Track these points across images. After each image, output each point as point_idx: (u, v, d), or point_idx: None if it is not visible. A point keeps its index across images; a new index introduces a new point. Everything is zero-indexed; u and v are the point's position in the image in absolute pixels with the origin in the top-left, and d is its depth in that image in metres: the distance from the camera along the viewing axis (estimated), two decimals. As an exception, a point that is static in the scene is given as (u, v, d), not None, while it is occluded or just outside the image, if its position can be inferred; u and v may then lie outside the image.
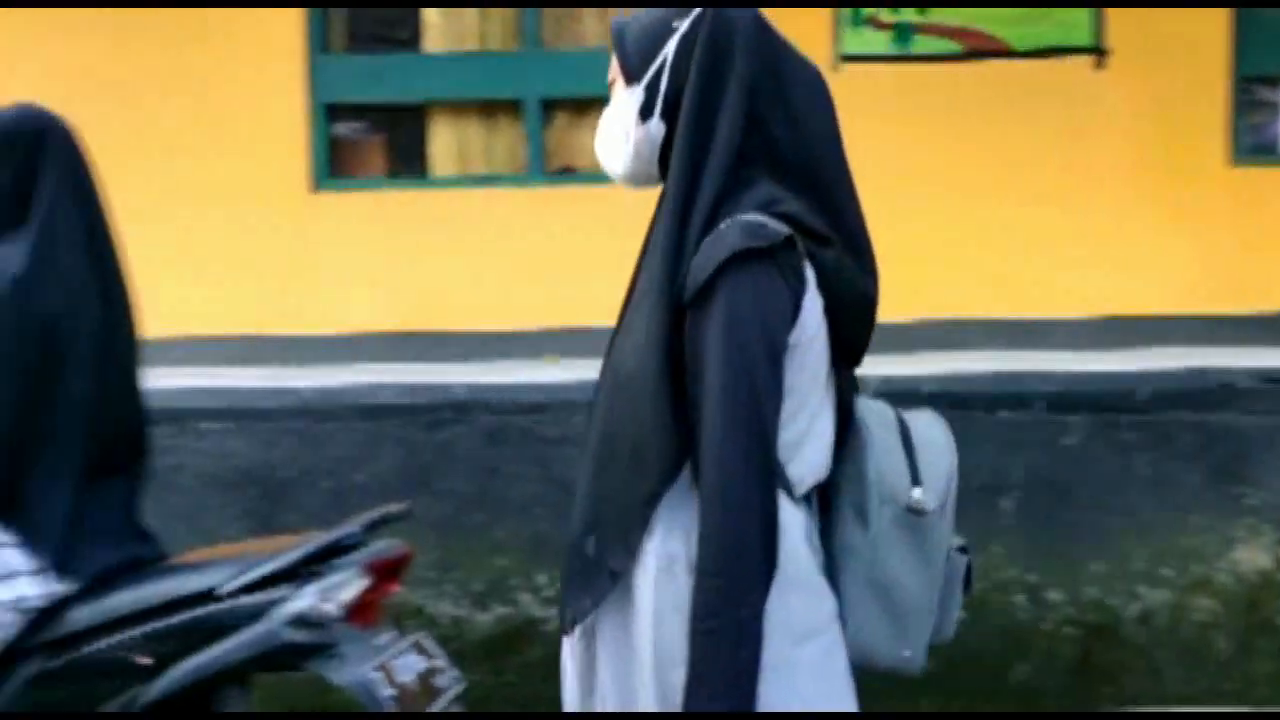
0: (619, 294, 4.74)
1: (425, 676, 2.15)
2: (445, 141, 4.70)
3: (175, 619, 2.13)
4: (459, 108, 4.68)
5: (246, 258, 4.42)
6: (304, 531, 3.44)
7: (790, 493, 1.41)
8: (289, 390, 3.61)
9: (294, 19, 4.50)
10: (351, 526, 2.20)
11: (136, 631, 2.13)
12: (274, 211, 4.51)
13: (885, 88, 4.40)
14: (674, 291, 1.39)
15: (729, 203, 1.40)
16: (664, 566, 1.39)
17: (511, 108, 4.65)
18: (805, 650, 1.40)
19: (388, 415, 3.58)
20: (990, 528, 3.46)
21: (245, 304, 4.42)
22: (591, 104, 4.64)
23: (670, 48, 1.46)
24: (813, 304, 1.41)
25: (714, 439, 1.33)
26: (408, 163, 4.82)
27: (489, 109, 4.67)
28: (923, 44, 4.40)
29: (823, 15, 4.42)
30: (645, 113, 1.48)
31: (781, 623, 1.36)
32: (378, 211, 4.55)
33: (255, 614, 2.11)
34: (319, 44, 4.56)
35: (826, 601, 1.43)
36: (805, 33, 4.36)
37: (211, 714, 2.19)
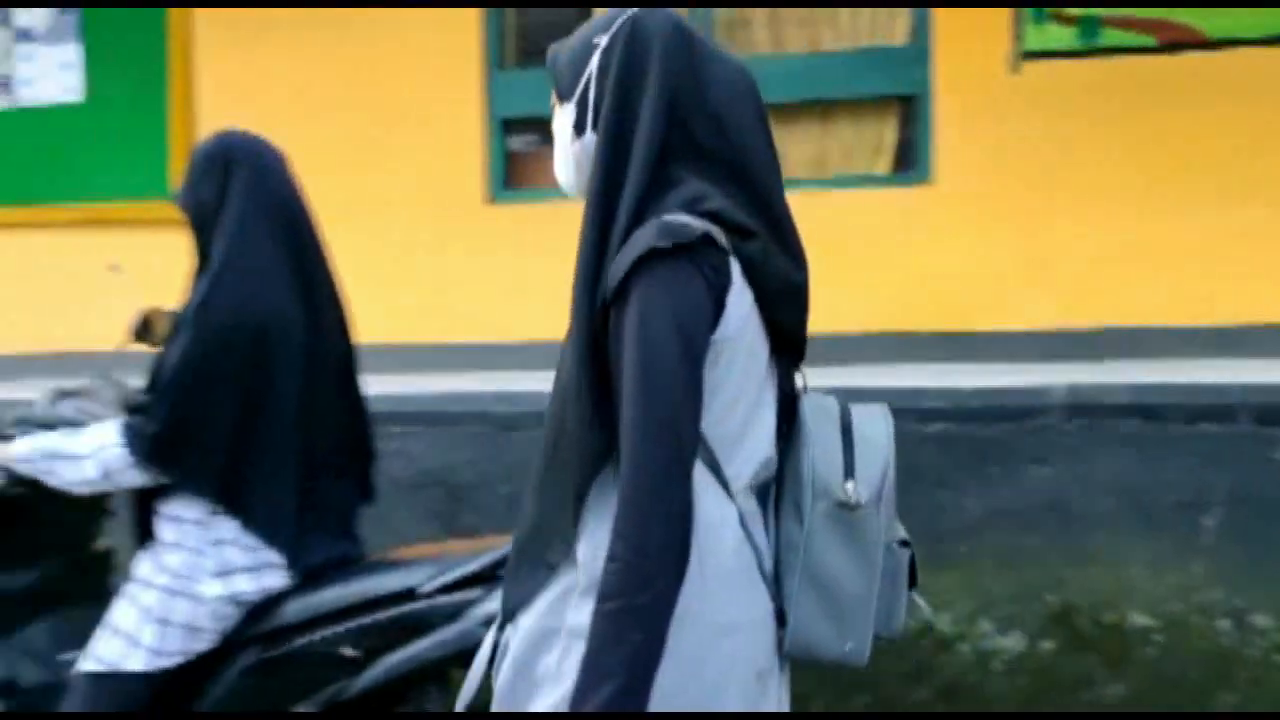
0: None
1: None
2: (615, 152, 4.75)
3: (379, 615, 2.21)
4: (629, 118, 4.73)
5: (425, 268, 4.59)
6: (488, 534, 3.57)
7: (727, 488, 1.43)
8: (470, 396, 3.72)
9: (472, 36, 4.65)
10: None
11: (343, 626, 2.21)
12: (451, 223, 4.67)
13: (1071, 84, 4.23)
14: (597, 293, 1.42)
15: (654, 203, 1.42)
16: (589, 559, 1.42)
17: (681, 117, 4.67)
18: (723, 645, 1.41)
19: (563, 421, 3.64)
20: (1191, 547, 3.26)
21: (425, 313, 4.59)
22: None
23: (594, 63, 1.51)
24: (739, 300, 1.42)
25: (629, 437, 1.35)
26: (579, 174, 4.91)
27: (658, 119, 4.71)
28: (1112, 37, 4.20)
29: (1002, 13, 4.28)
30: (579, 128, 1.53)
31: (700, 614, 1.39)
32: (551, 221, 4.63)
33: (453, 613, 2.17)
34: (495, 59, 4.70)
35: (755, 597, 1.44)
36: (985, 30, 4.25)
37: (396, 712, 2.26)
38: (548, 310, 4.53)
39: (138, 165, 4.80)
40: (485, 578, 2.20)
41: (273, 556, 2.24)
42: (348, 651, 2.20)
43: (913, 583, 1.54)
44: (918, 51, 4.41)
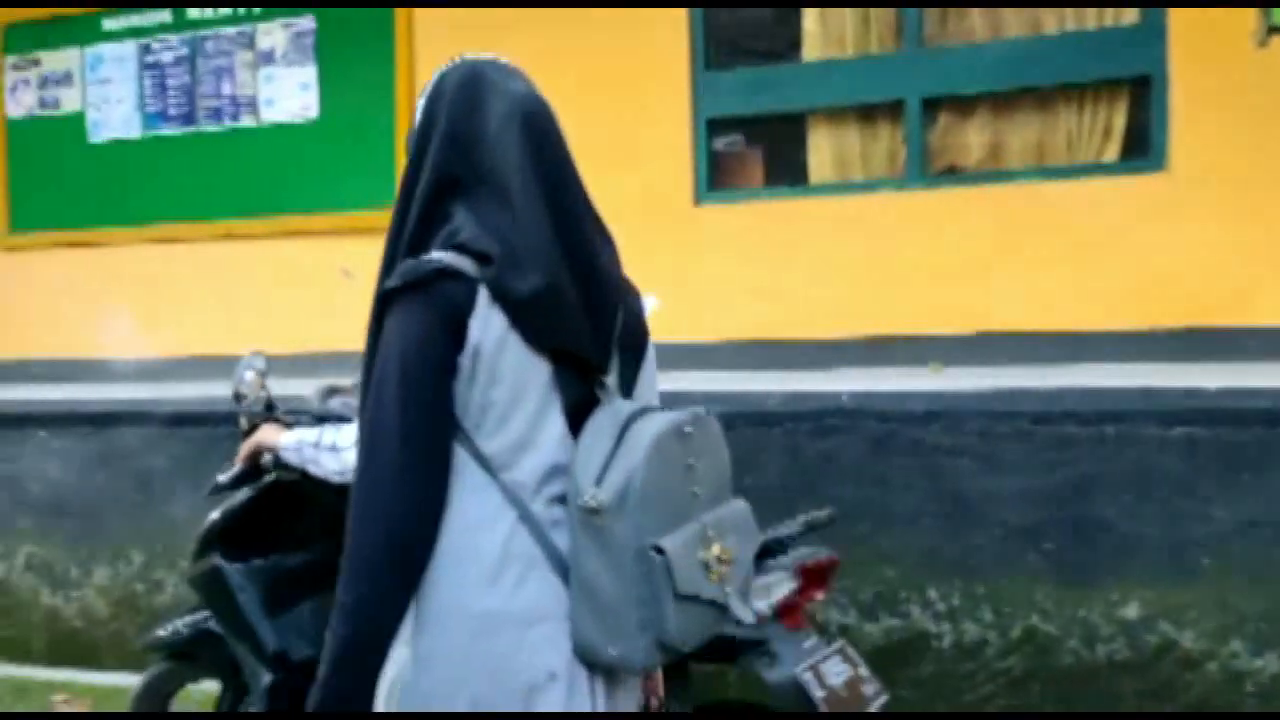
0: (1006, 299, 4.55)
1: (853, 683, 2.13)
2: (823, 149, 4.69)
3: None
4: (837, 114, 4.66)
5: (632, 270, 4.64)
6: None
7: (512, 493, 1.51)
8: (682, 395, 3.74)
9: (680, 36, 4.69)
10: (781, 529, 2.22)
11: None
12: (659, 225, 4.71)
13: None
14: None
15: (428, 239, 1.56)
16: None
17: (891, 110, 4.56)
18: (493, 641, 1.48)
19: (774, 422, 3.62)
20: None
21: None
22: (977, 101, 4.45)
23: (415, 117, 1.68)
24: (485, 322, 1.50)
25: (359, 455, 1.50)
26: (786, 172, 4.86)
27: (868, 113, 4.61)
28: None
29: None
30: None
31: (460, 610, 1.49)
32: (757, 222, 4.63)
33: None
34: (702, 61, 4.71)
35: (514, 600, 1.49)
36: (1226, 4, 3.94)
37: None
38: (754, 310, 4.55)
39: (368, 177, 5.09)
40: None
41: None
42: None
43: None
44: (1151, 30, 4.14)
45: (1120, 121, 4.29)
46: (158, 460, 4.36)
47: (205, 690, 3.04)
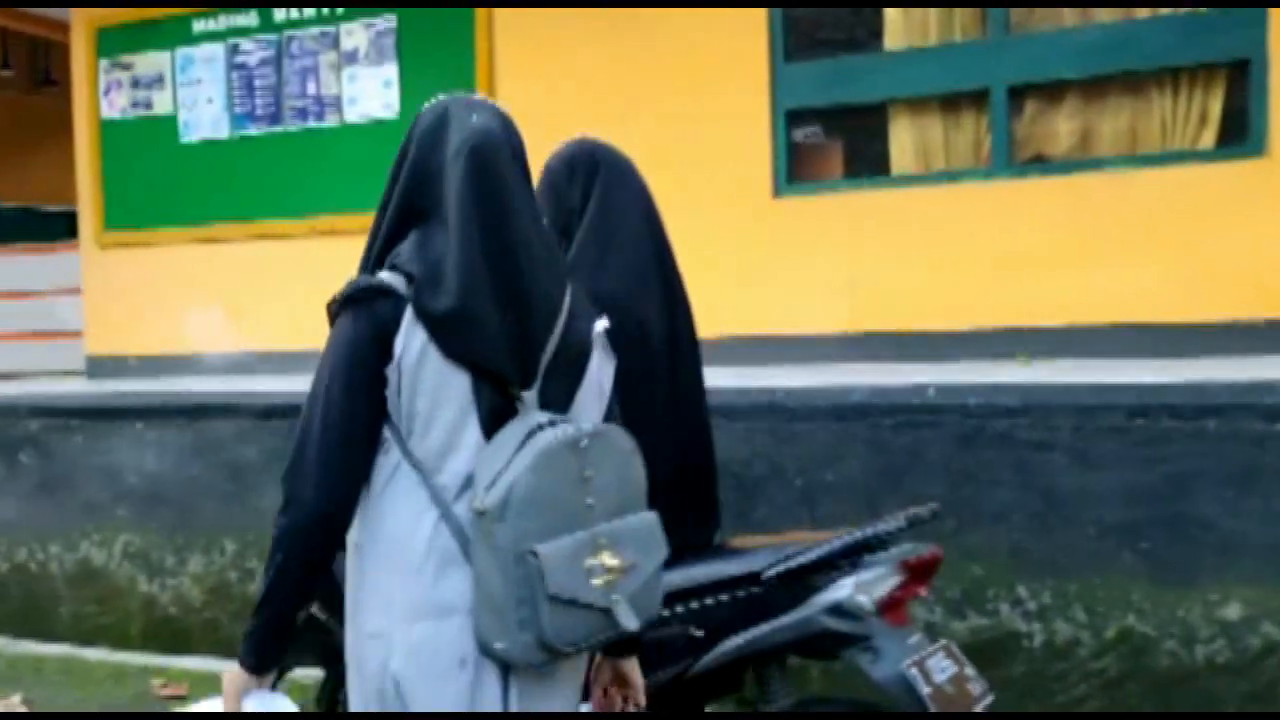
0: (1096, 290, 4.44)
1: (958, 681, 2.10)
2: (905, 139, 4.62)
3: (723, 598, 2.26)
4: (919, 104, 4.58)
5: (713, 264, 4.62)
6: (786, 528, 3.57)
7: (437, 496, 1.66)
8: (763, 389, 3.72)
9: (758, 31, 4.65)
10: (884, 524, 2.21)
11: (690, 606, 2.28)
12: (738, 218, 4.69)
13: None
14: None
15: (384, 260, 1.77)
16: (352, 549, 1.77)
17: (975, 99, 4.47)
18: (413, 630, 1.66)
19: (858, 416, 3.58)
20: None
21: (714, 308, 4.61)
22: (1065, 87, 4.34)
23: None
24: (408, 337, 1.66)
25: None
26: (866, 163, 4.80)
27: (951, 102, 4.53)
28: None
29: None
30: None
31: (390, 602, 1.67)
32: (838, 214, 4.58)
33: (795, 600, 2.19)
34: (781, 53, 4.67)
35: (434, 591, 1.65)
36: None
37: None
38: (834, 303, 4.50)
39: (447, 173, 5.15)
40: (828, 566, 2.21)
41: None
42: (693, 631, 2.26)
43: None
44: (1249, 11, 3.99)
45: (1216, 106, 4.15)
46: (249, 452, 4.46)
47: (310, 676, 3.12)
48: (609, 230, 2.30)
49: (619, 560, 1.66)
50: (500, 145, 1.75)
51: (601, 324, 1.81)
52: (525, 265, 1.70)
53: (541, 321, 1.71)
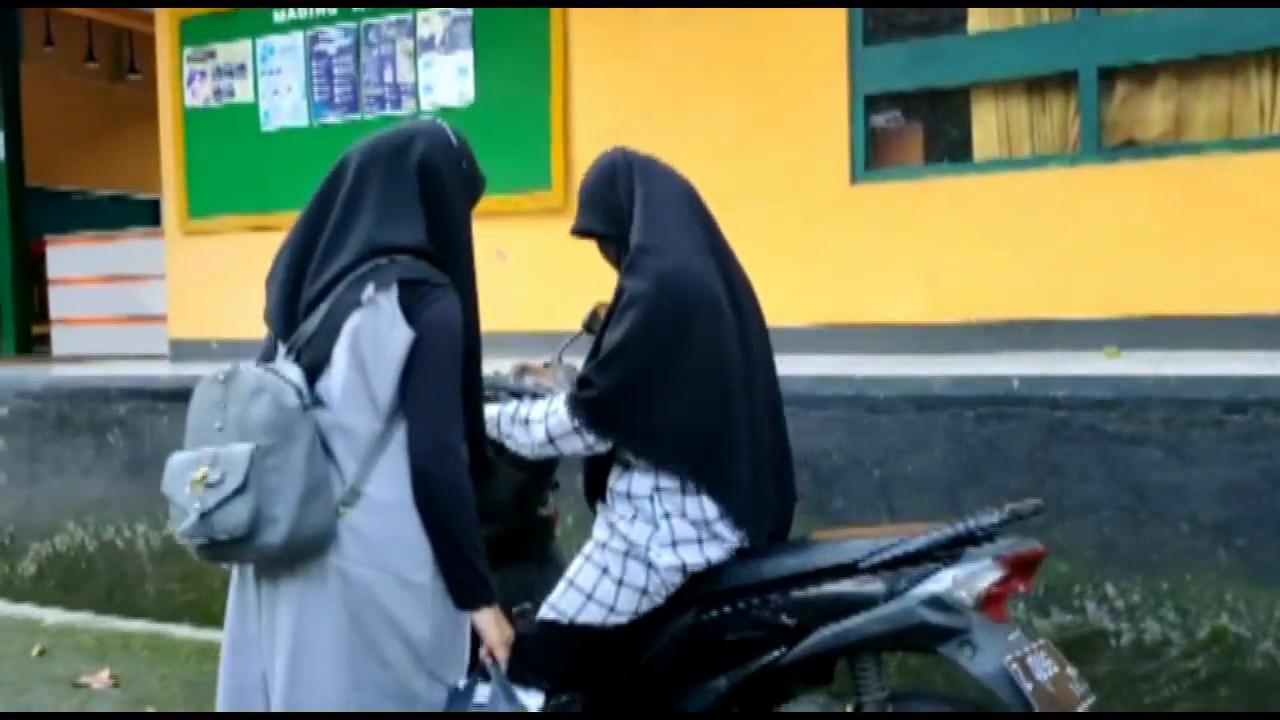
0: (1189, 280, 4.30)
1: (1060, 680, 2.04)
2: (989, 124, 4.51)
3: (819, 588, 2.23)
4: (1003, 87, 4.47)
5: (789, 252, 4.57)
6: (860, 520, 3.52)
7: None
8: (842, 379, 3.67)
9: (837, 14, 4.57)
10: (984, 518, 2.15)
11: (783, 596, 2.26)
12: (815, 206, 4.62)
13: None
14: None
15: None
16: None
17: (1063, 82, 4.34)
18: None
19: (939, 407, 3.50)
20: None
21: (792, 297, 4.57)
22: (1159, 69, 4.20)
23: None
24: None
25: None
26: (948, 149, 4.70)
27: (1036, 86, 4.41)
28: None
29: None
30: None
31: None
32: (918, 201, 4.49)
33: (892, 592, 2.16)
34: (861, 37, 4.59)
35: None
36: None
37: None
38: (915, 292, 4.42)
39: (522, 160, 5.16)
40: (926, 558, 2.17)
41: (721, 528, 2.31)
42: (785, 620, 2.24)
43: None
44: (1359, -12, 3.82)
45: (1320, 88, 3.98)
46: (327, 436, 4.53)
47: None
48: (659, 219, 2.34)
49: (204, 475, 1.98)
50: (348, 158, 2.20)
51: (368, 293, 2.04)
52: (316, 254, 2.12)
53: (311, 296, 2.10)
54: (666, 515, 2.30)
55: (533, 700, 2.13)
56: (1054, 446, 3.34)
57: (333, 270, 2.09)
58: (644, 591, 2.32)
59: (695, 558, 2.30)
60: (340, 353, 2.05)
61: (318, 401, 2.04)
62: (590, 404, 2.27)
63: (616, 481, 2.38)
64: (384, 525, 2.04)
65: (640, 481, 2.33)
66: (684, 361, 2.24)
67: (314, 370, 2.07)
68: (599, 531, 2.39)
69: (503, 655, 2.10)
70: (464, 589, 2.06)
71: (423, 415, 2.03)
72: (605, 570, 2.33)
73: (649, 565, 2.29)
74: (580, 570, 2.38)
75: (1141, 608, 3.20)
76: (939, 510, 3.38)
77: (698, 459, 2.27)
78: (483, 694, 2.07)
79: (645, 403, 2.25)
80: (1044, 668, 2.04)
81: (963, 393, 3.49)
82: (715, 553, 2.32)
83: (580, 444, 2.33)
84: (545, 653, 2.35)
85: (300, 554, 2.00)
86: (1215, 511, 3.13)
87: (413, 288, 2.05)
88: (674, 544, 2.29)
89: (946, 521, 2.21)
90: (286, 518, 1.95)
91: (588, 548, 2.40)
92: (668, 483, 2.30)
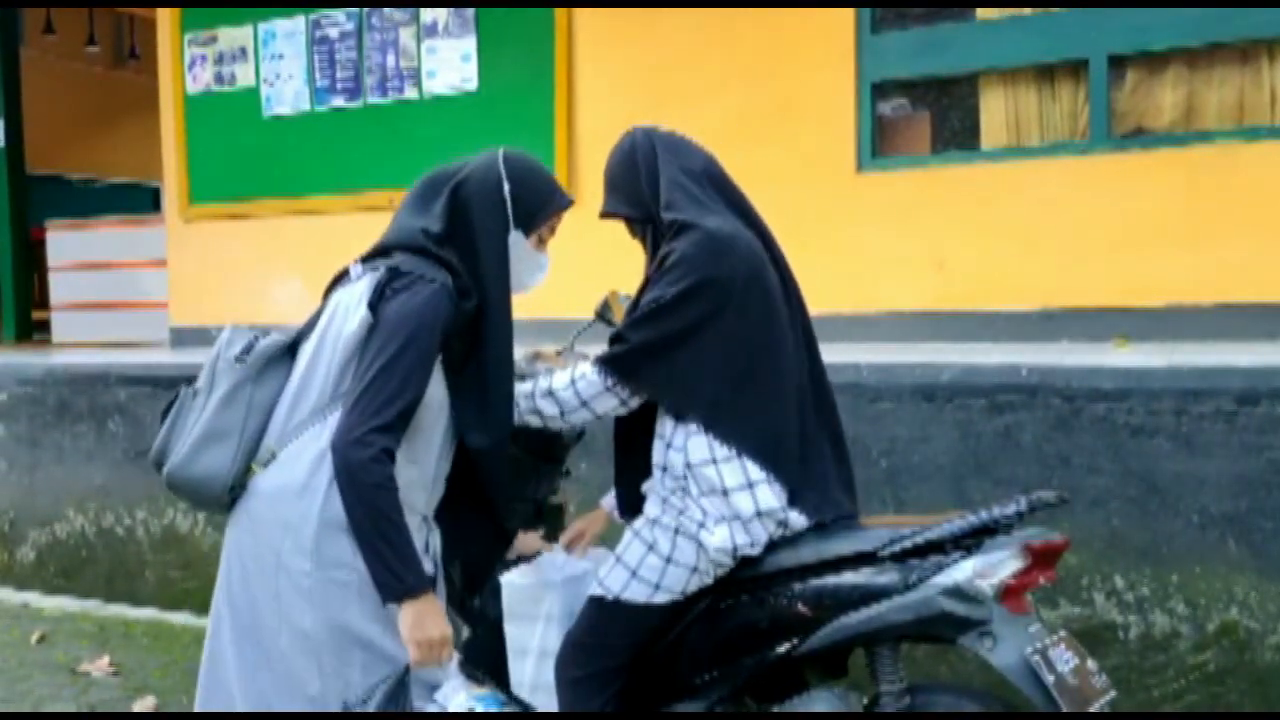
0: (1199, 269, 4.24)
1: (1081, 673, 2.01)
2: (997, 112, 4.47)
3: (837, 576, 2.19)
4: (1012, 75, 4.42)
5: (795, 240, 4.48)
6: (870, 510, 3.49)
7: None
8: (848, 367, 3.63)
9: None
10: (1005, 508, 2.12)
11: (802, 583, 2.22)
12: (821, 193, 4.58)
13: None
14: None
15: None
16: None
17: (1073, 70, 4.30)
18: None
19: (947, 396, 3.47)
20: None
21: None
22: (1169, 57, 4.16)
23: None
24: None
25: None
26: (955, 137, 4.66)
27: (1045, 73, 4.36)
28: None
29: None
30: None
31: None
32: (925, 189, 4.45)
33: (911, 581, 2.12)
34: (869, 24, 4.54)
35: None
36: None
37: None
38: (922, 280, 4.38)
39: (526, 147, 5.04)
40: (944, 547, 2.13)
41: (771, 504, 2.22)
42: (803, 609, 2.20)
43: None
44: (1374, -25, 3.77)
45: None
46: (328, 424, 4.50)
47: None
48: (690, 192, 2.30)
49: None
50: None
51: (356, 271, 2.21)
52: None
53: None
54: (712, 491, 2.22)
55: (476, 704, 2.10)
56: (1063, 437, 3.30)
57: (367, 253, 2.27)
58: (693, 571, 2.25)
59: (743, 538, 2.22)
60: (319, 323, 2.21)
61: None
62: (620, 358, 2.24)
63: (663, 456, 2.30)
64: (273, 499, 2.11)
65: (691, 452, 2.24)
66: (727, 322, 2.20)
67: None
68: (651, 508, 2.32)
69: (414, 656, 2.03)
70: (377, 584, 2.03)
71: (351, 400, 2.04)
72: (654, 548, 2.26)
73: (699, 544, 2.22)
74: (628, 546, 2.32)
75: (1151, 600, 3.17)
76: (946, 501, 3.35)
77: (742, 419, 2.21)
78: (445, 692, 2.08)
79: (682, 356, 2.21)
80: (1065, 660, 2.01)
81: (972, 382, 3.45)
82: (764, 534, 2.23)
83: (615, 401, 2.29)
84: (592, 628, 2.31)
85: (198, 495, 2.16)
86: (1226, 503, 3.10)
87: (400, 277, 2.13)
88: (726, 521, 2.21)
89: (961, 512, 2.18)
90: (180, 453, 2.15)
91: (639, 524, 2.33)
92: (722, 451, 2.22)
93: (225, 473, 2.12)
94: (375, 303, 2.11)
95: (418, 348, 2.07)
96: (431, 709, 2.07)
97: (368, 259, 2.26)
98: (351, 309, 2.15)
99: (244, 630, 2.13)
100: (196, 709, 2.21)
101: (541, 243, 2.34)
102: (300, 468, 2.09)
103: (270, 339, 2.25)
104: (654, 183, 2.32)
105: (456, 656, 2.16)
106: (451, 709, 2.08)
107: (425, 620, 2.03)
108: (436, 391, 2.16)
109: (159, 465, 2.21)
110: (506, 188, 2.25)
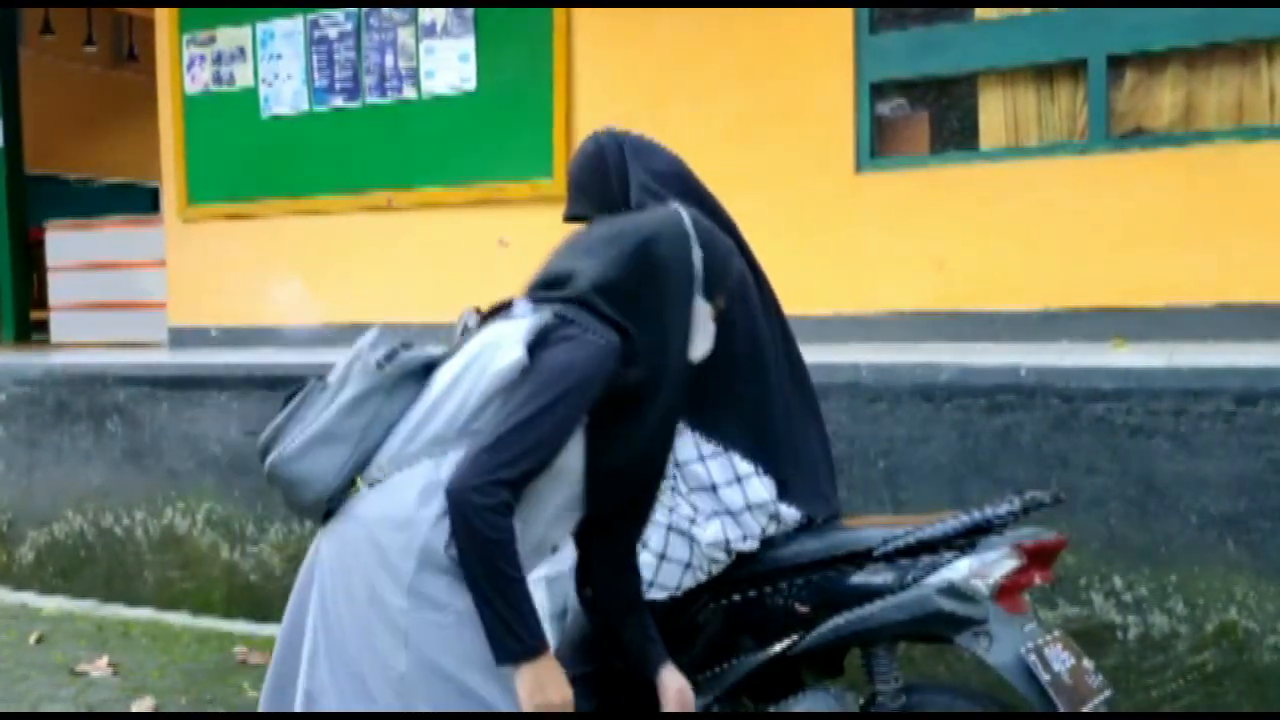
0: (1198, 270, 4.24)
1: (1076, 672, 2.01)
2: (996, 112, 4.46)
3: (833, 574, 2.20)
4: (1011, 75, 4.42)
5: (794, 240, 4.52)
6: (865, 511, 3.49)
7: None
8: (847, 367, 3.63)
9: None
10: (1001, 507, 2.12)
11: (798, 582, 2.22)
12: (819, 194, 4.58)
13: None
14: None
15: None
16: None
17: (1071, 70, 4.30)
18: None
19: (945, 396, 3.47)
20: None
21: (794, 285, 4.52)
22: (1169, 57, 4.15)
23: None
24: None
25: None
26: (954, 137, 4.66)
27: (1045, 73, 4.36)
28: None
29: None
30: None
31: None
32: (924, 189, 4.45)
33: (907, 580, 2.12)
34: (867, 23, 4.54)
35: None
36: None
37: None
38: (921, 281, 4.38)
39: (524, 148, 5.12)
40: (941, 546, 2.14)
41: (761, 496, 2.22)
42: (799, 608, 2.20)
43: None
44: (1373, -25, 3.77)
45: None
46: (327, 424, 4.49)
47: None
48: (658, 198, 2.28)
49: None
50: None
51: (520, 308, 2.05)
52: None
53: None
54: (703, 488, 2.22)
55: None
56: (1062, 437, 3.30)
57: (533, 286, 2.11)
58: (687, 567, 2.24)
59: (735, 533, 2.21)
60: (471, 346, 2.02)
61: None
62: None
63: None
64: (372, 526, 1.93)
65: (679, 450, 2.22)
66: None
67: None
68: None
69: None
70: (493, 643, 1.86)
71: (482, 444, 1.87)
72: (644, 544, 2.24)
73: (692, 540, 2.22)
74: None
75: (1149, 601, 3.17)
76: (945, 500, 3.35)
77: (725, 415, 2.22)
78: None
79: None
80: (1061, 659, 2.01)
81: (970, 382, 3.45)
82: (757, 529, 2.23)
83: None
84: (586, 627, 2.30)
85: (295, 495, 1.98)
86: (1224, 504, 3.10)
87: (567, 325, 1.95)
88: (719, 516, 2.20)
89: (956, 512, 2.18)
90: (291, 446, 1.95)
91: None
92: (708, 448, 2.22)
93: (330, 479, 1.96)
94: (534, 346, 1.93)
95: (568, 405, 1.89)
96: None
97: (534, 293, 2.07)
98: (505, 346, 1.95)
99: (336, 651, 1.95)
100: None
101: (718, 312, 2.13)
102: (407, 498, 1.92)
103: (413, 352, 2.06)
104: (624, 185, 2.32)
105: None
106: None
107: (546, 684, 1.88)
108: (567, 459, 1.96)
109: (265, 452, 2.02)
110: (698, 253, 2.05)
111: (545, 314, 1.96)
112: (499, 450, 1.85)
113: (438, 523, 1.89)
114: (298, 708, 1.97)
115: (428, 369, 2.06)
